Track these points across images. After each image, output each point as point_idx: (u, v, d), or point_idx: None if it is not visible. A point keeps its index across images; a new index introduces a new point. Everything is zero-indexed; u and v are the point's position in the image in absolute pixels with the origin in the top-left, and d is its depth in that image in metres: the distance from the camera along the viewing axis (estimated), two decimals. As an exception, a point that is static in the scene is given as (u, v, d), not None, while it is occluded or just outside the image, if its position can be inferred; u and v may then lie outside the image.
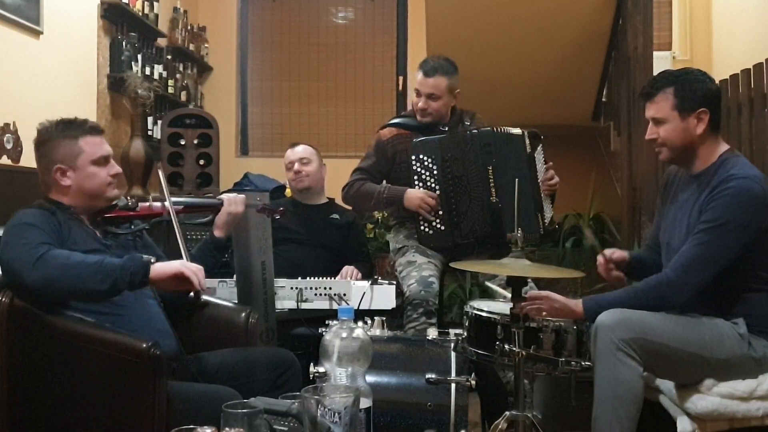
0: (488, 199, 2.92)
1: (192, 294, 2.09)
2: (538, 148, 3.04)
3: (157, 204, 2.31)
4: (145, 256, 1.96)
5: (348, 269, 3.17)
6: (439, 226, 2.97)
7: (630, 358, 2.02)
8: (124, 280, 1.89)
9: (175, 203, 2.32)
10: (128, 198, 2.30)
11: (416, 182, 3.01)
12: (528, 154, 2.99)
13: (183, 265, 1.96)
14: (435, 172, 2.98)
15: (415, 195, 2.98)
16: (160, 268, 1.95)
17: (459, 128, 3.15)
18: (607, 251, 2.41)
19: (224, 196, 2.51)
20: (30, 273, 1.87)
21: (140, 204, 2.30)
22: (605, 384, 2.02)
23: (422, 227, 2.98)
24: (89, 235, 2.15)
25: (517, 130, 3.01)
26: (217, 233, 2.45)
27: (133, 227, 2.29)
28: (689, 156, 2.24)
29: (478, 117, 3.25)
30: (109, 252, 2.14)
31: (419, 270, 2.89)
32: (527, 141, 2.99)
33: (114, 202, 2.24)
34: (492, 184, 2.93)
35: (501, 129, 3.00)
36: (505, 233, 2.84)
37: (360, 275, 3.15)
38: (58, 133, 2.15)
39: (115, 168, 2.21)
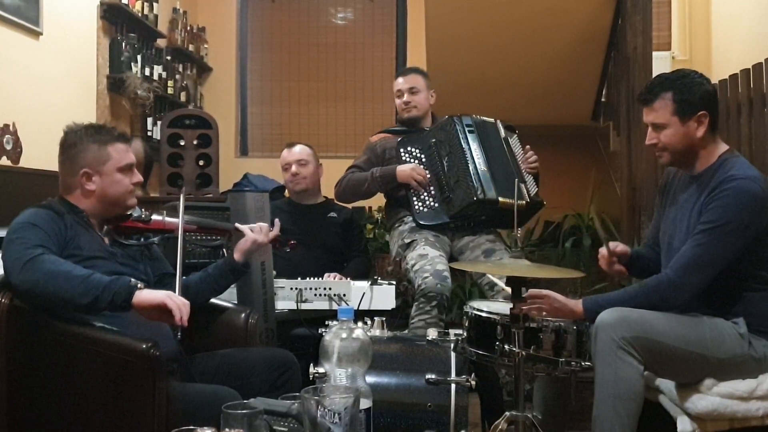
0: (477, 168, 3.04)
1: (172, 327, 2.00)
2: (514, 136, 3.29)
3: (171, 220, 2.28)
4: (133, 280, 1.91)
5: (331, 275, 3.16)
6: (432, 203, 3.13)
7: (630, 356, 2.02)
8: (105, 299, 1.85)
9: (188, 222, 2.28)
10: (142, 210, 2.26)
11: None
12: (504, 138, 3.24)
13: (168, 297, 1.88)
14: (423, 159, 3.21)
15: (406, 167, 3.19)
16: (145, 295, 1.88)
17: None
18: (611, 244, 2.41)
19: (254, 227, 2.41)
20: (18, 274, 1.87)
21: (153, 218, 2.26)
22: (606, 382, 2.02)
23: (417, 206, 3.14)
24: (95, 241, 2.13)
25: (491, 119, 3.30)
26: (237, 257, 2.36)
27: (142, 240, 2.27)
28: (690, 158, 2.24)
29: None
30: (114, 260, 2.13)
31: (432, 264, 2.91)
32: (500, 127, 3.27)
33: (128, 212, 2.22)
34: (480, 155, 3.08)
35: (477, 116, 3.25)
36: (497, 199, 2.96)
37: (339, 277, 3.13)
38: (88, 138, 2.13)
39: (137, 177, 2.21)
